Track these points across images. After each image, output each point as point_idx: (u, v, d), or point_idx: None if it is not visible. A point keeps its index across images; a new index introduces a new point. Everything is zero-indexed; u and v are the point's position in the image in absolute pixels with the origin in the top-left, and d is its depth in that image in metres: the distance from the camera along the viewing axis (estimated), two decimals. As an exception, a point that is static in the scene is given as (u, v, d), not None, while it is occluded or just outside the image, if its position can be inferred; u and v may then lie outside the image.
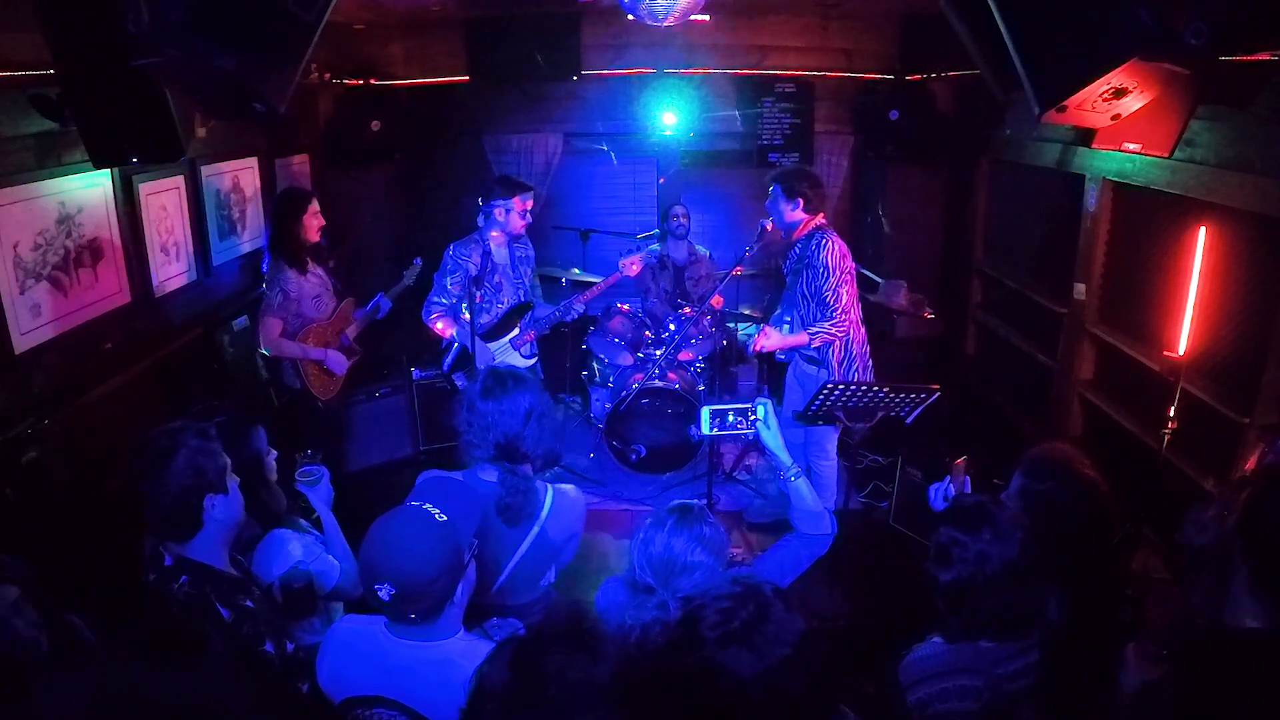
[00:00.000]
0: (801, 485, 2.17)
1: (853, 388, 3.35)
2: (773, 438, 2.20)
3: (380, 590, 1.61)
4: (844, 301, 3.74)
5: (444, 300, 4.05)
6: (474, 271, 4.01)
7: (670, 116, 5.78)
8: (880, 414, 3.40)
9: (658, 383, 4.70)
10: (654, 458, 4.83)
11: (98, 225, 3.35)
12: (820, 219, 3.89)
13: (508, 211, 4.00)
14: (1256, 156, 2.93)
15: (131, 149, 2.82)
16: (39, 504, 2.80)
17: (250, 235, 4.66)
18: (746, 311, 5.52)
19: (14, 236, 2.89)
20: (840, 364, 3.88)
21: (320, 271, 4.07)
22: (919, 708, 1.74)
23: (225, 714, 1.40)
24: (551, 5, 5.35)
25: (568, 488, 2.32)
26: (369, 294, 4.32)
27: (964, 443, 3.61)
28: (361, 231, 5.73)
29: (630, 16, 3.50)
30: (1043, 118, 2.93)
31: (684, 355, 5.11)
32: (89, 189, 3.29)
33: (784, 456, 2.20)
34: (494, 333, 4.18)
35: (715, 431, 2.25)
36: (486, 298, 4.10)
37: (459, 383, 4.17)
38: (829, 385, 3.30)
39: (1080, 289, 4.15)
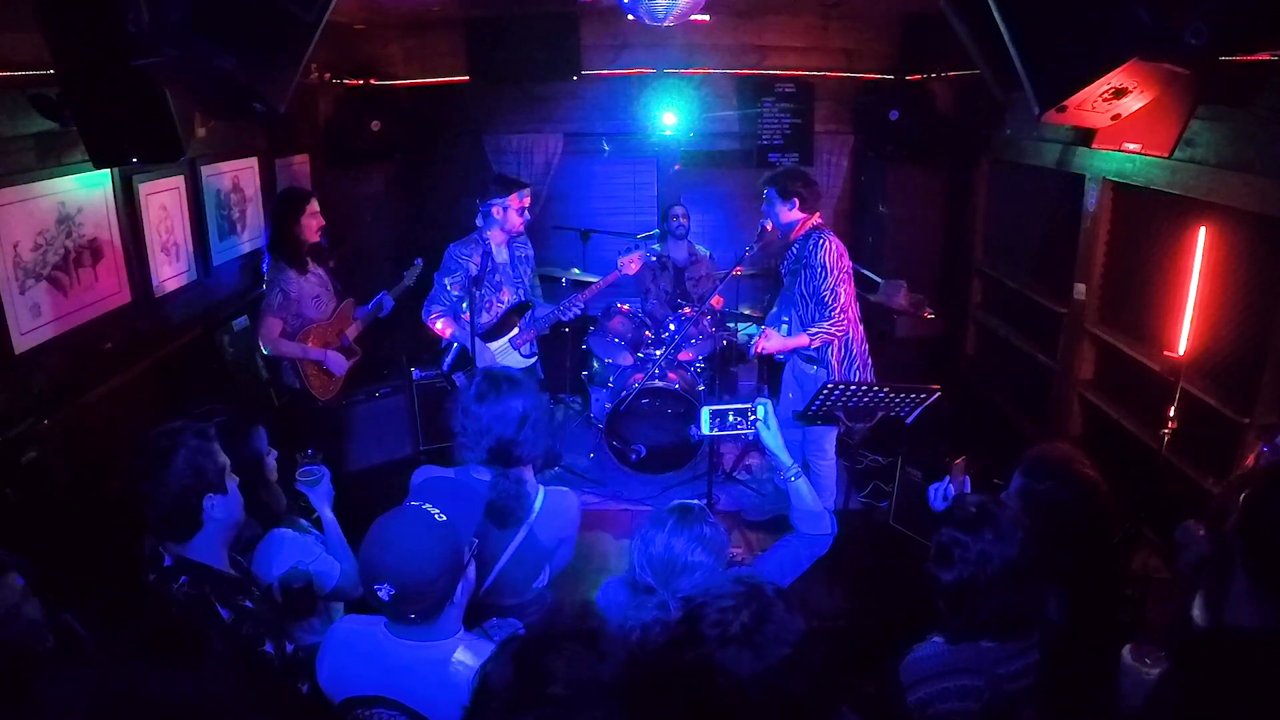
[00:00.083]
0: (801, 485, 2.17)
1: (853, 388, 3.35)
2: (773, 438, 2.21)
3: (380, 590, 1.61)
4: (842, 301, 3.74)
5: (444, 300, 4.05)
6: (474, 271, 4.01)
7: (670, 116, 5.78)
8: (880, 414, 3.40)
9: (658, 383, 4.70)
10: (654, 458, 4.83)
11: (98, 225, 3.35)
12: (817, 218, 3.89)
13: (505, 209, 4.00)
14: (1256, 156, 2.93)
15: (131, 149, 2.81)
16: (39, 504, 2.80)
17: (250, 235, 4.66)
18: (746, 311, 5.52)
19: (14, 236, 2.89)
20: (840, 363, 3.88)
21: (320, 272, 4.07)
22: (919, 707, 1.74)
23: (225, 714, 1.40)
24: (551, 5, 5.35)
25: (562, 491, 2.30)
26: (369, 294, 4.32)
27: (964, 443, 3.62)
28: (361, 231, 5.73)
29: (630, 16, 3.51)
30: (1043, 118, 2.94)
31: (684, 355, 5.11)
32: (89, 189, 3.29)
33: (784, 457, 2.20)
34: (494, 332, 4.18)
35: (715, 431, 2.25)
36: (486, 297, 4.10)
37: (459, 382, 4.18)
38: (829, 385, 3.30)
39: (1080, 289, 4.15)
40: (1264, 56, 2.75)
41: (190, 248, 4.07)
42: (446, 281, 4.02)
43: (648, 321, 5.25)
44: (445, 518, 1.70)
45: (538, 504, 2.19)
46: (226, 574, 1.97)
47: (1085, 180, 4.04)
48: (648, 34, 5.48)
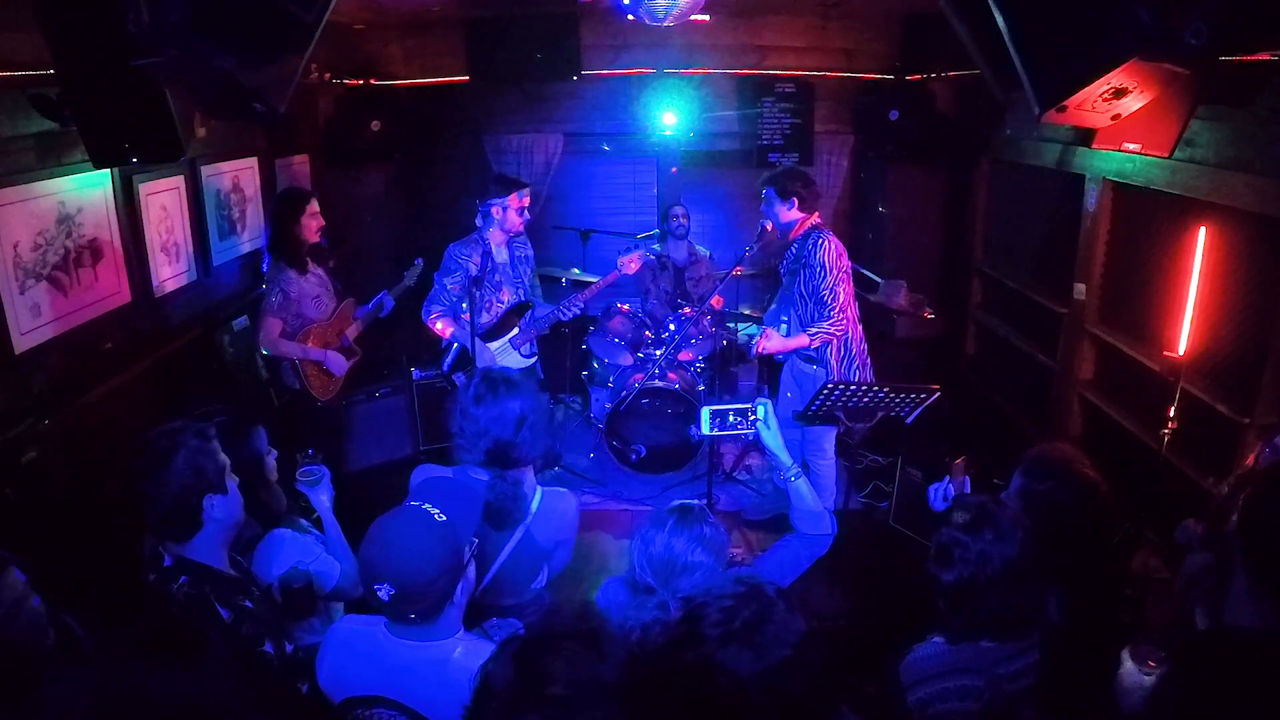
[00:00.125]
0: (802, 485, 2.17)
1: (853, 388, 3.34)
2: (773, 438, 2.21)
3: (380, 590, 1.61)
4: (841, 300, 3.74)
5: (444, 300, 4.05)
6: (474, 271, 4.01)
7: (670, 116, 5.79)
8: (880, 414, 3.40)
9: (658, 383, 4.70)
10: (654, 458, 4.83)
11: (98, 225, 3.35)
12: (816, 218, 3.90)
13: (505, 209, 4.00)
14: (1256, 156, 2.93)
15: (131, 149, 2.81)
16: (39, 504, 2.80)
17: (250, 235, 4.66)
18: (746, 311, 5.52)
19: (14, 236, 2.89)
20: (840, 362, 3.88)
21: (320, 272, 4.07)
22: (919, 707, 1.75)
23: (225, 714, 1.40)
24: (551, 5, 5.35)
25: (561, 492, 2.29)
26: (369, 294, 4.32)
27: (964, 443, 3.62)
28: (361, 231, 5.73)
29: (630, 16, 3.51)
30: (1043, 118, 2.94)
31: (684, 355, 5.11)
32: (89, 189, 3.29)
33: (784, 457, 2.20)
34: (494, 332, 4.18)
35: (715, 431, 2.25)
36: (486, 297, 4.10)
37: (459, 383, 4.18)
38: (829, 385, 3.30)
39: (1080, 289, 4.15)
40: (1264, 56, 2.75)
41: (190, 248, 4.07)
42: (446, 282, 4.02)
43: (648, 321, 5.25)
44: (445, 518, 1.70)
45: (534, 505, 2.18)
46: (226, 574, 1.97)
47: (1085, 180, 4.04)
48: (648, 34, 5.47)
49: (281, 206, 3.98)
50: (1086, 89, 2.79)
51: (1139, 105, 3.10)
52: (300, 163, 5.30)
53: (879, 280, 5.26)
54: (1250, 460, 2.51)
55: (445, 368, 4.28)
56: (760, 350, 3.90)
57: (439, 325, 4.11)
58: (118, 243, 3.47)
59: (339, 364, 4.07)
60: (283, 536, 2.20)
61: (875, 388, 3.32)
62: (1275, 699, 1.16)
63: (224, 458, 1.98)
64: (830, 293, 3.72)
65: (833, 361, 3.88)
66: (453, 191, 5.93)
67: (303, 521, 2.46)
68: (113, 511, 2.57)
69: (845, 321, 3.76)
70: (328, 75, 5.21)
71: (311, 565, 2.16)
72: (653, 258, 5.32)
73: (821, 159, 6.14)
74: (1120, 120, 3.22)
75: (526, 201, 4.08)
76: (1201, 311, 3.09)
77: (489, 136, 6.16)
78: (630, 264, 4.12)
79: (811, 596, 3.43)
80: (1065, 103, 2.84)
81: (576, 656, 1.25)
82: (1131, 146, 3.60)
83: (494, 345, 4.18)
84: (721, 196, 6.43)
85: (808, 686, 1.21)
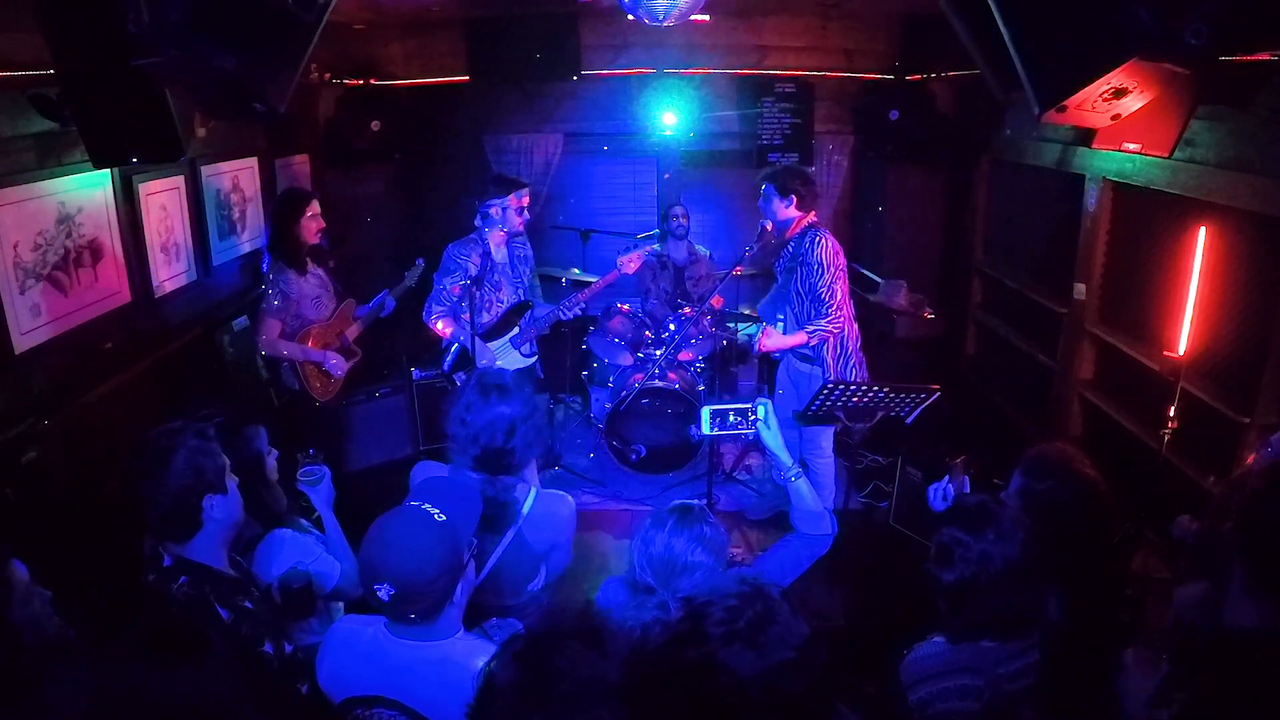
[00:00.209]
0: (802, 485, 2.17)
1: (853, 388, 3.35)
2: (773, 438, 2.20)
3: (380, 590, 1.61)
4: (838, 298, 3.76)
5: (444, 300, 4.05)
6: (474, 272, 4.01)
7: (670, 116, 5.78)
8: (880, 414, 3.40)
9: (658, 383, 4.70)
10: (654, 458, 4.83)
11: (98, 225, 3.35)
12: (812, 217, 3.90)
13: (504, 210, 4.01)
14: (1256, 156, 2.93)
15: (131, 149, 2.81)
16: (39, 504, 2.79)
17: (250, 235, 4.66)
18: (746, 311, 5.52)
19: (14, 236, 2.88)
20: (836, 361, 3.89)
21: (320, 272, 4.07)
22: (920, 707, 1.75)
23: (224, 714, 1.40)
24: (551, 5, 5.35)
25: (557, 495, 2.27)
26: (369, 294, 4.32)
27: (964, 443, 3.61)
28: (361, 231, 5.73)
29: (630, 16, 3.51)
30: (1043, 118, 2.93)
31: (684, 355, 5.11)
32: (89, 189, 3.29)
33: (784, 457, 2.20)
34: (494, 332, 4.18)
35: (715, 431, 2.24)
36: (486, 297, 4.11)
37: (460, 382, 4.17)
38: (829, 385, 3.30)
39: (1080, 289, 4.15)
40: (1264, 56, 2.75)
41: (190, 248, 4.07)
42: (446, 282, 4.02)
43: (648, 321, 5.25)
44: (445, 517, 1.70)
45: (527, 507, 2.15)
46: (226, 574, 1.96)
47: (1085, 180, 4.04)
48: (648, 34, 5.48)
49: (282, 207, 3.98)
50: (1086, 89, 2.79)
51: (1139, 105, 3.10)
52: (300, 163, 5.30)
53: (879, 280, 5.26)
54: (1250, 460, 2.52)
55: (446, 367, 4.29)
56: (761, 348, 3.91)
57: (440, 325, 4.11)
58: (118, 243, 3.47)
59: (338, 365, 4.06)
60: (283, 536, 2.20)
61: (875, 387, 3.31)
62: (1275, 699, 1.16)
63: (224, 458, 1.98)
64: (828, 290, 3.73)
65: (829, 360, 3.88)
66: (453, 191, 5.93)
67: (303, 521, 2.46)
68: (113, 511, 2.57)
69: (842, 319, 3.78)
70: (328, 75, 5.21)
71: (311, 565, 2.16)
72: (653, 258, 5.32)
73: (821, 159, 6.14)
74: (1120, 120, 3.22)
75: (526, 201, 4.09)
76: (1201, 311, 3.09)
77: (489, 136, 6.16)
78: (630, 264, 4.12)
79: (812, 596, 3.43)
80: (1065, 103, 2.84)
81: (579, 655, 1.24)
82: (1131, 146, 3.60)
83: (494, 345, 4.18)
84: (721, 196, 6.43)
85: (807, 687, 1.21)
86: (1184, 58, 2.73)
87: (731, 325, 5.32)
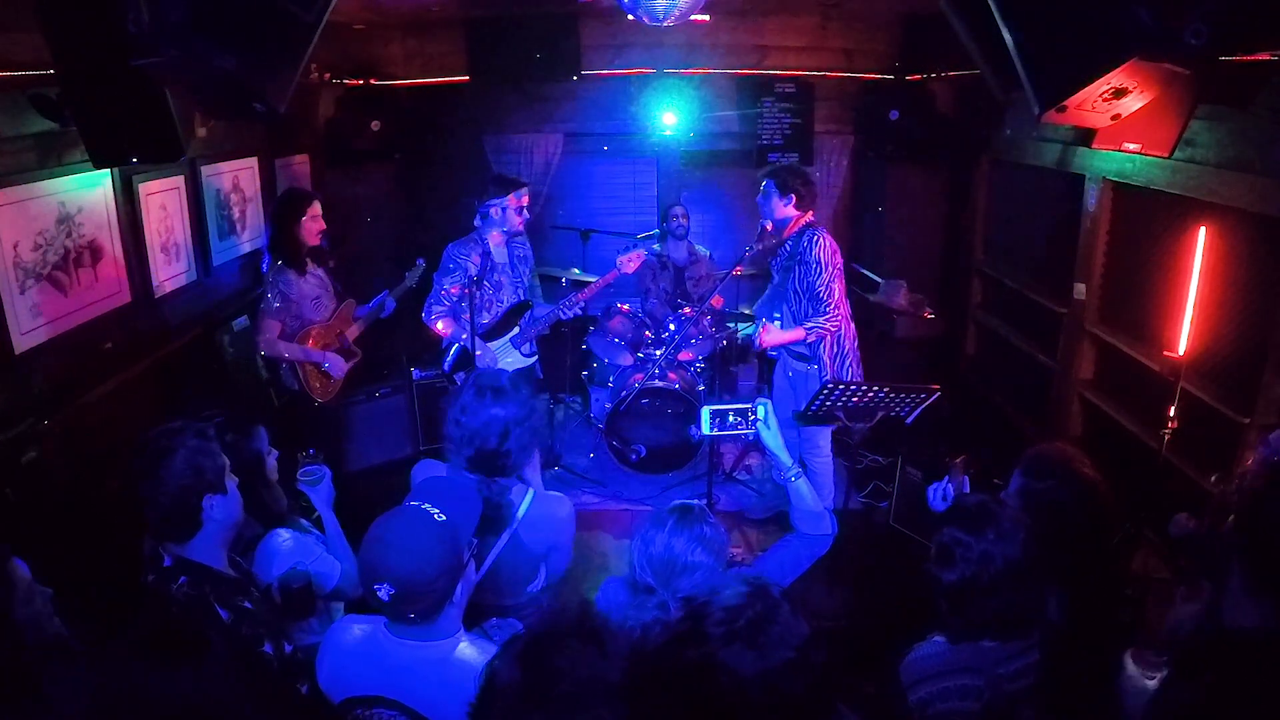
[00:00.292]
0: (802, 485, 2.18)
1: (852, 388, 3.35)
2: (773, 438, 2.21)
3: (380, 590, 1.61)
4: (836, 296, 3.78)
5: (444, 300, 4.06)
6: (474, 271, 4.01)
7: (670, 116, 5.78)
8: (880, 414, 3.40)
9: (658, 383, 4.70)
10: (654, 458, 4.84)
11: (98, 225, 3.35)
12: (810, 216, 3.92)
13: (504, 210, 4.01)
14: (1256, 156, 2.93)
15: (131, 149, 2.82)
16: (39, 504, 2.80)
17: (250, 235, 4.67)
18: (746, 311, 5.53)
19: (14, 236, 2.89)
20: (833, 360, 3.90)
21: (320, 273, 4.07)
22: (920, 707, 1.75)
23: (224, 714, 1.40)
24: (551, 5, 5.35)
25: (555, 497, 2.26)
26: (369, 294, 4.32)
27: (964, 443, 3.61)
28: (361, 231, 5.73)
29: (630, 16, 3.51)
30: (1043, 118, 2.93)
31: (684, 355, 5.11)
32: (89, 189, 3.29)
33: (784, 457, 2.20)
34: (494, 332, 4.18)
35: (715, 431, 2.25)
36: (486, 297, 4.11)
37: (460, 382, 4.18)
38: (829, 385, 3.30)
39: (1080, 289, 4.15)
40: (1264, 56, 2.75)
41: (190, 248, 4.07)
42: (445, 282, 4.02)
43: (648, 321, 5.25)
44: (445, 517, 1.70)
45: (523, 509, 2.14)
46: (226, 574, 1.96)
47: (1085, 180, 4.04)
48: (648, 34, 5.48)
49: (283, 207, 3.97)
50: (1086, 89, 2.79)
51: (1139, 105, 3.10)
52: (300, 163, 5.30)
53: (879, 280, 5.26)
54: (1250, 460, 2.51)
55: (446, 367, 4.29)
56: (761, 343, 3.92)
57: (440, 325, 4.11)
58: (118, 243, 3.47)
59: (339, 366, 4.06)
60: (283, 536, 2.20)
61: (875, 387, 3.31)
62: (1275, 699, 1.16)
63: (224, 458, 1.98)
64: (826, 289, 3.75)
65: (826, 359, 3.89)
66: (453, 191, 5.92)
67: (303, 521, 2.46)
68: (113, 511, 2.57)
69: (840, 318, 3.79)
70: (328, 75, 5.21)
71: (311, 565, 2.16)
72: (653, 257, 5.32)
73: (821, 159, 6.14)
74: (1120, 120, 3.22)
75: (525, 201, 4.09)
76: (1201, 311, 3.08)
77: (489, 136, 6.16)
78: (629, 263, 4.12)
79: (811, 596, 3.43)
80: (1065, 103, 2.84)
81: (580, 655, 1.24)
82: (1131, 146, 3.60)
83: (494, 345, 4.18)
84: (721, 196, 6.43)
85: (807, 687, 1.21)
86: (1184, 58, 2.73)
87: (731, 325, 5.33)
